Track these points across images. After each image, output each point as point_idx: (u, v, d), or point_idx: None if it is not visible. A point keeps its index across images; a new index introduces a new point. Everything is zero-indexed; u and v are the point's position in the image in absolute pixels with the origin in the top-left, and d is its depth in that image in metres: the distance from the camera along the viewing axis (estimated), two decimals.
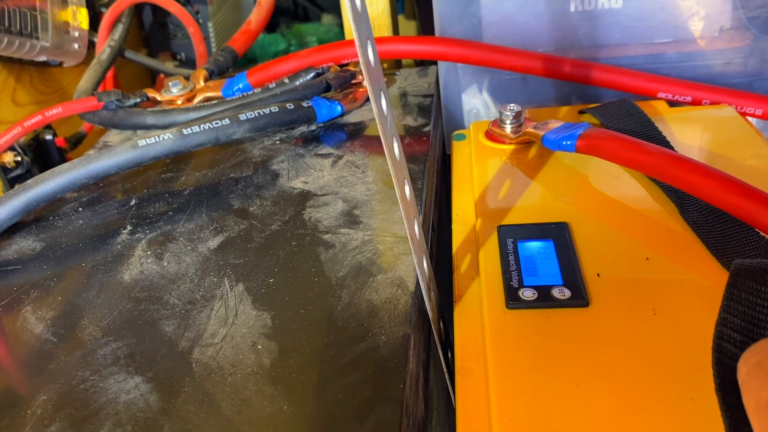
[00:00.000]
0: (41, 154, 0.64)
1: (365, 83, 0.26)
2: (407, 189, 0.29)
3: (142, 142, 0.42)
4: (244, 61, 0.90)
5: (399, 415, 0.26)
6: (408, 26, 0.99)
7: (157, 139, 0.43)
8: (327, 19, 1.08)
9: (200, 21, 0.87)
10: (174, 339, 0.31)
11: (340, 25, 1.06)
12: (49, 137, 0.64)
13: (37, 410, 0.28)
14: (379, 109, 0.26)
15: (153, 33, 0.91)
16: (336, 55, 0.53)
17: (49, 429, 0.27)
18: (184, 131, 0.43)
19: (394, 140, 0.28)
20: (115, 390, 0.29)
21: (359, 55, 0.25)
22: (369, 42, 0.26)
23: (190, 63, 0.91)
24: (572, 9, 0.51)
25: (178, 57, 0.92)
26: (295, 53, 0.55)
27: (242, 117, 0.45)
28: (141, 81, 0.91)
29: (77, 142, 0.69)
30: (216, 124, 0.44)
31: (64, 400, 0.28)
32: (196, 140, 0.44)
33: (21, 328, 0.34)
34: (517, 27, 0.52)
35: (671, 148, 0.40)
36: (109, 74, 0.71)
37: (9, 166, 0.61)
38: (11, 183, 0.62)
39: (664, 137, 0.42)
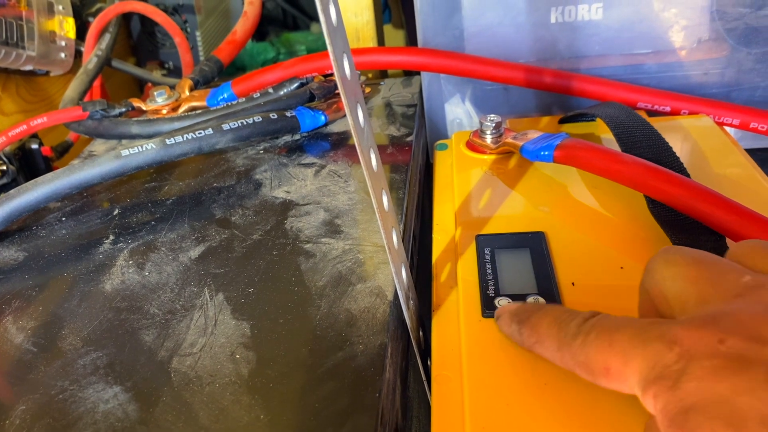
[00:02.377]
0: (27, 163, 0.65)
1: (341, 96, 0.26)
2: (385, 200, 0.29)
3: (125, 152, 0.43)
4: (233, 69, 0.90)
5: (375, 423, 0.26)
6: (396, 35, 1.00)
7: (141, 149, 0.43)
8: (316, 27, 1.09)
9: (188, 30, 0.87)
10: (153, 349, 0.31)
11: None
12: (35, 146, 0.64)
13: (16, 420, 0.28)
14: (355, 122, 0.27)
15: (141, 42, 0.92)
16: (320, 66, 0.54)
17: None
18: (167, 141, 0.43)
19: (371, 152, 0.28)
20: (93, 400, 0.29)
21: (335, 69, 0.25)
22: (345, 56, 0.26)
23: (178, 72, 0.92)
24: (553, 20, 0.51)
25: (166, 66, 0.92)
26: (279, 63, 0.55)
27: (225, 127, 0.45)
28: (129, 90, 0.91)
29: (64, 151, 0.69)
30: (199, 134, 0.44)
31: (43, 410, 0.29)
32: (180, 150, 0.44)
33: (1, 338, 0.34)
34: (499, 38, 0.53)
35: (673, 153, 0.40)
36: (97, 83, 0.71)
37: None
38: None
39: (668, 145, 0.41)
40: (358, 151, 0.27)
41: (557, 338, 0.25)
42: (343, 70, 0.26)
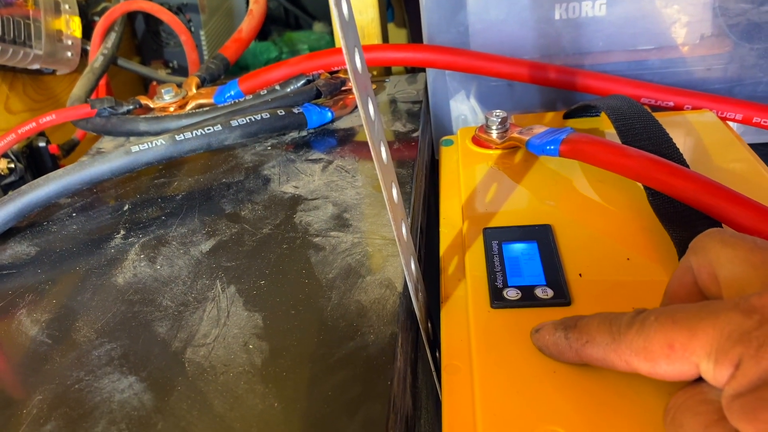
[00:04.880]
0: (34, 161, 0.65)
1: (353, 89, 0.26)
2: (395, 192, 0.30)
3: (135, 149, 0.43)
4: (236, 68, 0.91)
5: (387, 410, 0.27)
6: (398, 34, 1.00)
7: (150, 145, 0.43)
8: (318, 27, 1.09)
9: (192, 29, 0.88)
10: (167, 340, 0.32)
11: (331, 33, 1.07)
12: (42, 144, 0.65)
13: (33, 410, 0.29)
14: (366, 115, 0.27)
15: (146, 41, 0.92)
16: (326, 63, 0.54)
17: (45, 428, 0.28)
18: (177, 137, 0.44)
19: (382, 145, 0.29)
20: (109, 389, 0.29)
21: (347, 62, 0.26)
22: (356, 50, 0.26)
23: (182, 71, 0.92)
24: (557, 17, 0.52)
25: (171, 65, 0.93)
26: (286, 61, 0.55)
27: (234, 123, 0.46)
28: (133, 88, 0.92)
29: (70, 149, 0.69)
30: (208, 130, 0.45)
31: (59, 399, 0.29)
32: (189, 146, 0.44)
33: (16, 330, 0.34)
34: (504, 35, 0.53)
35: (673, 145, 0.40)
36: (102, 82, 0.71)
37: (2, 173, 0.62)
38: (5, 190, 0.62)
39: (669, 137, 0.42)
40: (370, 143, 0.27)
41: (609, 332, 0.24)
42: (355, 64, 0.26)
